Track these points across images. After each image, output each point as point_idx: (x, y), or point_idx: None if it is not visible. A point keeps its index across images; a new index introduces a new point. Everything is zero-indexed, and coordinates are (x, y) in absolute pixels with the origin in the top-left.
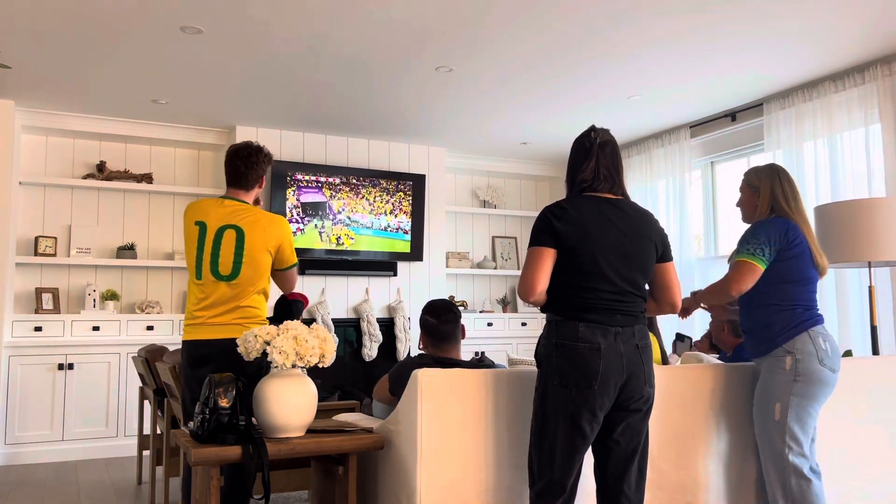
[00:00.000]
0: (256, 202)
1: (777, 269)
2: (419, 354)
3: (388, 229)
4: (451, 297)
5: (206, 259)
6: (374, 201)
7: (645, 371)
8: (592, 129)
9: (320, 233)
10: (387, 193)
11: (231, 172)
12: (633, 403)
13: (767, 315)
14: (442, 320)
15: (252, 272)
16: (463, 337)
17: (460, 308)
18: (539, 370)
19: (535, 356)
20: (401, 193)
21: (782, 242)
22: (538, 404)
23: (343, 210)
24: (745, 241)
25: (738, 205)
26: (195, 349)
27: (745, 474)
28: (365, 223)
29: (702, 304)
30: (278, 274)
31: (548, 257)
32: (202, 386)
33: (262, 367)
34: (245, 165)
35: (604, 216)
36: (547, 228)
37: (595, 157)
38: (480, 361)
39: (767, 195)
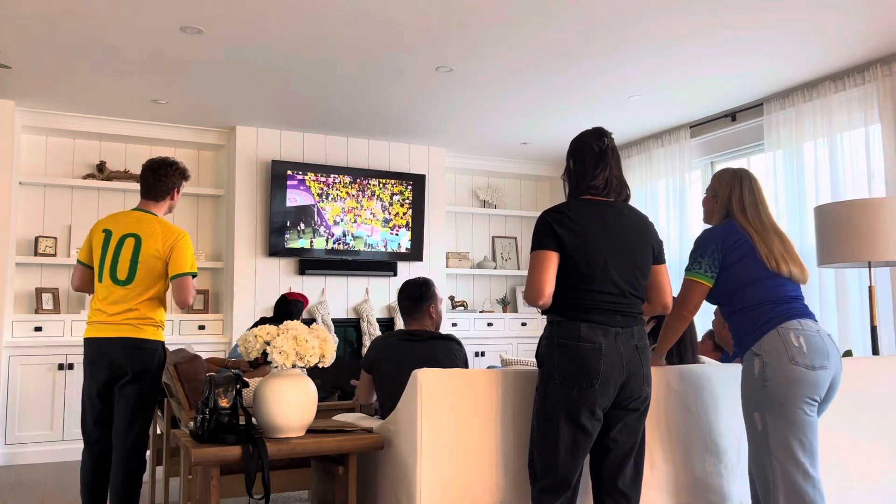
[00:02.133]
0: (171, 210)
1: (731, 274)
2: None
3: (390, 249)
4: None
5: (108, 264)
6: (392, 202)
7: (644, 371)
8: (602, 132)
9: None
10: (396, 194)
11: (142, 184)
12: (631, 403)
13: (738, 320)
14: (400, 296)
15: (145, 277)
16: (433, 317)
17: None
18: (540, 369)
19: (537, 356)
20: (401, 202)
21: (721, 250)
22: (540, 403)
23: (341, 221)
24: (689, 257)
25: (701, 203)
26: (91, 347)
27: (745, 474)
28: (368, 238)
29: (663, 358)
30: (171, 283)
31: (552, 260)
32: (97, 379)
33: (159, 364)
34: (154, 177)
35: (604, 219)
36: (549, 232)
37: (608, 167)
38: (449, 337)
39: (724, 201)
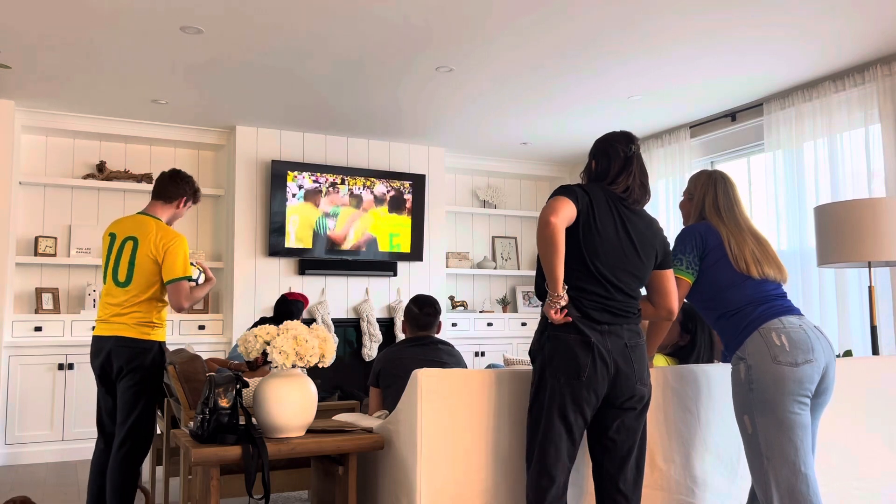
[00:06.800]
0: (172, 221)
1: (710, 276)
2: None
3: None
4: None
5: (111, 267)
6: (392, 202)
7: (636, 370)
8: (630, 137)
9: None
10: (396, 194)
11: (155, 185)
12: (626, 402)
13: (723, 325)
14: (423, 312)
15: (142, 279)
16: (437, 332)
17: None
18: (533, 363)
19: (530, 352)
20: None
21: (699, 248)
22: (533, 396)
23: (341, 221)
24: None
25: (679, 206)
26: (94, 344)
27: (745, 474)
28: (368, 238)
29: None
30: (166, 287)
31: (571, 206)
32: (95, 374)
33: (152, 363)
34: (170, 179)
35: (616, 212)
36: (570, 195)
37: (632, 174)
38: (447, 342)
39: (699, 203)
